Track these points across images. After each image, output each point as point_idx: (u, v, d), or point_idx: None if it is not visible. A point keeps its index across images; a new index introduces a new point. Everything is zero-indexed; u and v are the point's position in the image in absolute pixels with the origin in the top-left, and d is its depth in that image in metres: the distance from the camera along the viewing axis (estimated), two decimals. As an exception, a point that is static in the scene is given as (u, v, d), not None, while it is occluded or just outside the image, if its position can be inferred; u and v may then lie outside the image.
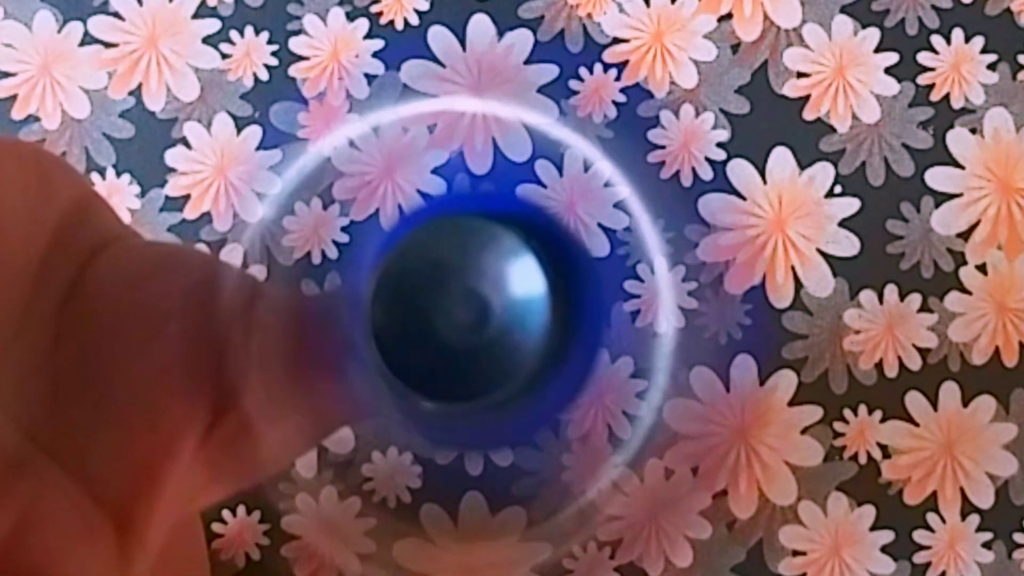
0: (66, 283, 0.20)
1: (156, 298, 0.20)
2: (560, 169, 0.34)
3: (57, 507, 0.19)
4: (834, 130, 0.34)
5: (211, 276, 0.21)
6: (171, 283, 0.21)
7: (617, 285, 0.33)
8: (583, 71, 0.34)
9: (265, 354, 0.20)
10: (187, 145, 0.34)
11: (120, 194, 0.34)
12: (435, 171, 0.34)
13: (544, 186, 0.34)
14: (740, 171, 0.34)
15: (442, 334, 0.18)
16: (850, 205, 0.34)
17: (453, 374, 0.18)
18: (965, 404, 0.33)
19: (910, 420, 0.33)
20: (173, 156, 0.34)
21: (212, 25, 0.35)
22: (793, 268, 0.34)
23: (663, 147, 0.34)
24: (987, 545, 0.33)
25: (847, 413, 0.33)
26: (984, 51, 0.35)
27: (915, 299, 0.33)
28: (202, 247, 0.34)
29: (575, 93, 0.34)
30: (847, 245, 0.34)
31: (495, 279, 0.18)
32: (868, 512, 0.33)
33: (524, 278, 0.18)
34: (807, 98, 0.34)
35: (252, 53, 0.35)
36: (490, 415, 0.19)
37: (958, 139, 0.34)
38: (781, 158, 0.34)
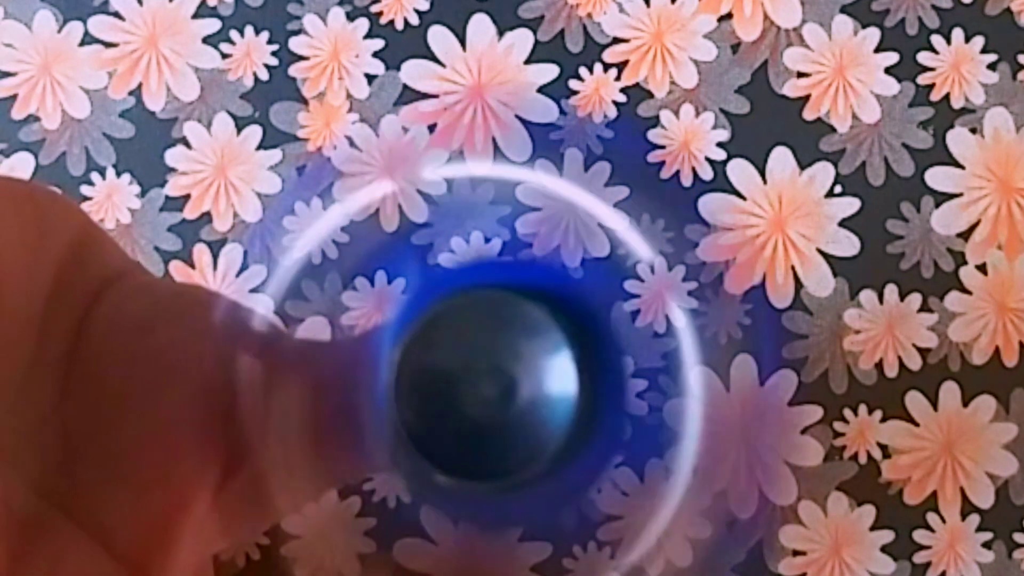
0: (71, 329, 0.19)
1: (165, 346, 0.20)
2: (560, 169, 0.34)
3: (79, 568, 0.18)
4: (834, 130, 0.34)
5: (223, 321, 0.20)
6: (181, 329, 0.20)
7: (617, 285, 0.33)
8: (583, 71, 0.34)
9: (283, 410, 0.20)
10: (187, 145, 0.34)
11: (120, 194, 0.34)
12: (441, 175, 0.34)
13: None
14: (740, 171, 0.34)
15: (467, 410, 0.18)
16: (850, 205, 0.34)
17: (476, 452, 0.18)
18: (965, 404, 0.33)
19: (910, 420, 0.33)
20: (173, 156, 0.34)
21: (212, 25, 0.35)
22: (793, 268, 0.34)
23: (663, 147, 0.34)
24: (987, 545, 0.33)
25: (847, 413, 0.33)
26: (984, 51, 0.35)
27: (915, 299, 0.33)
28: (203, 247, 0.34)
29: (575, 93, 0.34)
30: (847, 245, 0.34)
31: (522, 356, 0.18)
32: (868, 512, 0.33)
33: (552, 356, 0.18)
34: (807, 98, 0.34)
35: (252, 53, 0.35)
36: (510, 494, 0.18)
37: (958, 139, 0.34)
38: (781, 158, 0.34)
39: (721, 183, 0.34)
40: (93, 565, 0.18)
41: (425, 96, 0.34)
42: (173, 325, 0.20)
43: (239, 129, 0.34)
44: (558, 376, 0.18)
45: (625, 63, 0.35)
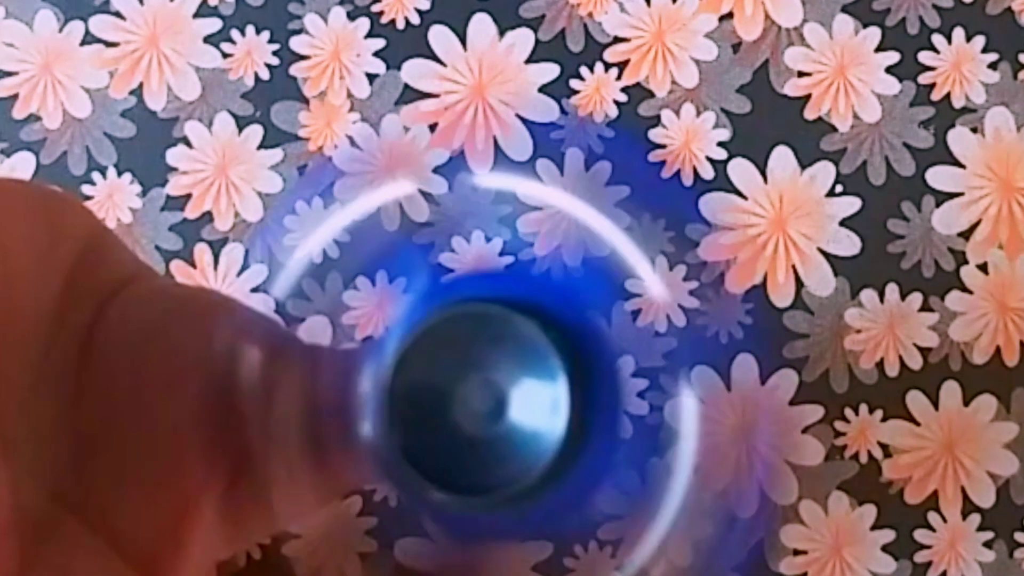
0: (81, 333, 0.19)
1: (174, 350, 0.20)
2: (561, 168, 0.34)
3: (90, 570, 0.18)
4: (835, 129, 0.34)
5: (232, 326, 0.20)
6: (190, 334, 0.20)
7: (619, 285, 0.33)
8: (584, 70, 0.34)
9: (283, 416, 0.20)
10: (188, 144, 0.34)
11: (121, 193, 0.34)
12: (436, 170, 0.34)
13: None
14: (741, 170, 0.34)
15: (458, 424, 0.18)
16: (851, 204, 0.34)
17: (467, 466, 0.18)
18: (966, 403, 0.33)
19: (911, 419, 0.33)
20: (174, 155, 0.34)
21: (213, 24, 0.35)
22: (794, 267, 0.34)
23: (664, 146, 0.34)
24: (988, 544, 0.33)
25: (848, 412, 0.33)
26: (985, 50, 0.34)
27: (916, 298, 0.33)
28: (204, 246, 0.34)
29: (576, 92, 0.34)
30: (848, 244, 0.34)
31: (513, 370, 0.18)
32: (869, 511, 0.33)
33: (543, 370, 0.18)
34: (808, 97, 0.34)
35: (253, 52, 0.35)
36: (503, 509, 0.18)
37: (959, 138, 0.34)
38: (782, 157, 0.34)
39: (722, 182, 0.34)
40: (104, 567, 0.18)
41: (426, 95, 0.34)
42: (183, 329, 0.20)
43: (240, 128, 0.34)
44: (550, 389, 0.18)
45: (626, 62, 0.35)
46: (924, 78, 0.34)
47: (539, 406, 0.18)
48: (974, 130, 0.34)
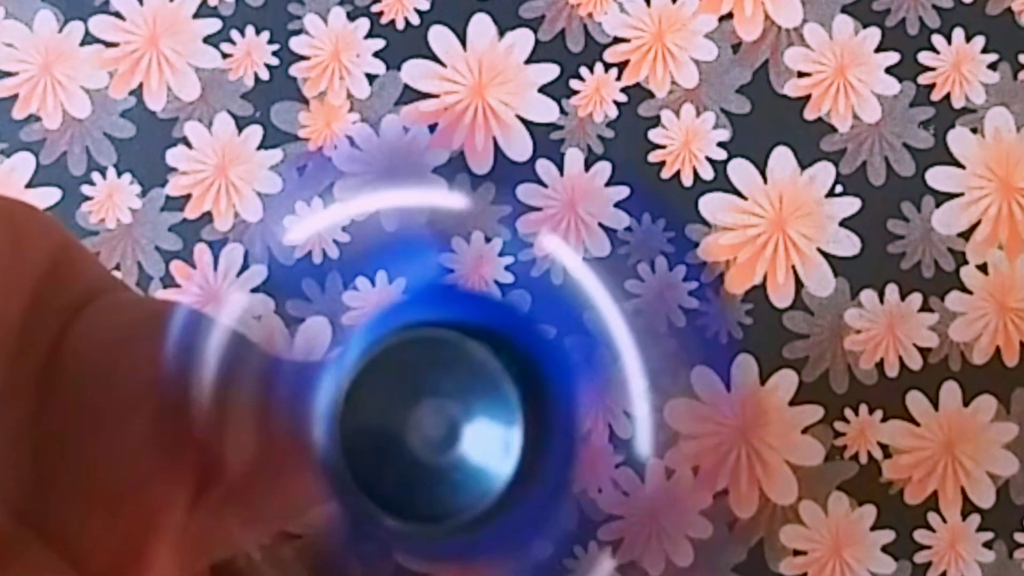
0: (47, 346, 0.19)
1: (138, 365, 0.19)
2: (560, 169, 0.34)
3: None
4: (835, 130, 0.34)
5: (196, 341, 0.20)
6: (154, 349, 0.20)
7: (618, 285, 0.33)
8: (584, 70, 0.34)
9: (235, 438, 0.20)
10: (188, 145, 0.34)
11: (121, 193, 0.34)
12: (436, 170, 0.34)
13: (545, 185, 0.34)
14: (741, 171, 0.34)
15: (409, 451, 0.18)
16: (851, 205, 0.34)
17: (419, 492, 0.18)
18: (966, 404, 0.33)
19: (911, 420, 0.33)
20: (174, 156, 0.34)
21: (213, 25, 0.35)
22: (794, 268, 0.34)
23: (664, 147, 0.34)
24: (988, 544, 0.33)
25: (848, 413, 0.33)
26: (985, 51, 0.35)
27: (916, 299, 0.33)
28: (204, 247, 0.34)
29: (576, 93, 0.34)
30: (848, 245, 0.34)
31: (467, 396, 0.18)
32: (869, 512, 0.33)
33: (496, 394, 0.18)
34: (808, 98, 0.34)
35: (253, 53, 0.35)
36: (456, 536, 0.18)
37: (959, 139, 0.34)
38: (782, 158, 0.34)
39: (722, 183, 0.34)
40: None
41: (426, 96, 0.34)
42: (150, 343, 0.20)
43: (240, 129, 0.34)
44: (503, 415, 0.17)
45: (626, 63, 0.35)
46: (924, 78, 0.34)
47: (492, 436, 0.18)
48: (974, 130, 0.34)
